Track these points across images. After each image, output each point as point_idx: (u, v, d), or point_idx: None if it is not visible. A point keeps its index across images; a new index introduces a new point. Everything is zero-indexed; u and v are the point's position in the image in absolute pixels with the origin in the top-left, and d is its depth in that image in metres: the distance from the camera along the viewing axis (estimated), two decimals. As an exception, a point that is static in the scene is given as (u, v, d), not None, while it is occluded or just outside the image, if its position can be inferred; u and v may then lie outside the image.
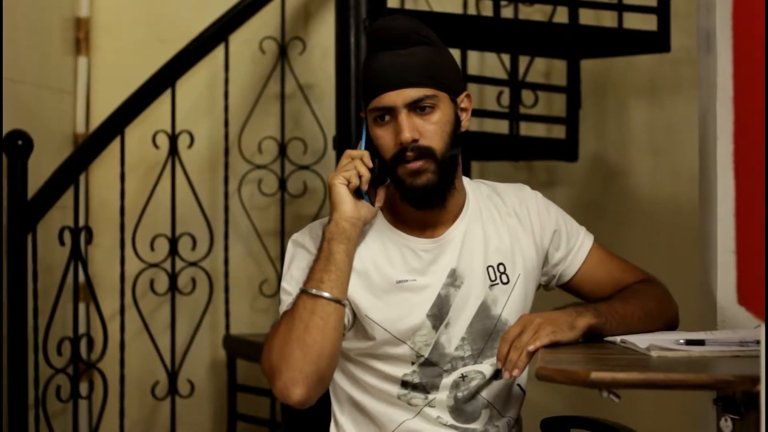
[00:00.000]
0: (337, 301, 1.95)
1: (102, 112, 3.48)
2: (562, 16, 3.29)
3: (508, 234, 2.10)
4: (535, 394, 3.39)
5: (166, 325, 3.47)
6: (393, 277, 2.04)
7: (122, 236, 3.36)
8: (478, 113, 3.44)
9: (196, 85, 3.66)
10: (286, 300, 2.01)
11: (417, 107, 1.97)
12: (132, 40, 3.76)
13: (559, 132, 3.50)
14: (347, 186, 1.98)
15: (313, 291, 1.94)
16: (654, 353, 1.80)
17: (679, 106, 3.46)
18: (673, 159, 3.48)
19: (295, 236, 2.09)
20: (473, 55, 3.56)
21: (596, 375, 1.66)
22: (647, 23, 3.20)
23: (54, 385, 3.16)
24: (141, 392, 3.59)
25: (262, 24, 3.63)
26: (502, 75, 3.54)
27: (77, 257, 3.18)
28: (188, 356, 3.49)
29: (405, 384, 2.05)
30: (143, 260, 3.43)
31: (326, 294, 1.94)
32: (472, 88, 3.52)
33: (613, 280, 2.14)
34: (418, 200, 2.01)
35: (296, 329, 1.92)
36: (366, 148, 2.02)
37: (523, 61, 3.52)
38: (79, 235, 3.18)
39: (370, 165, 1.99)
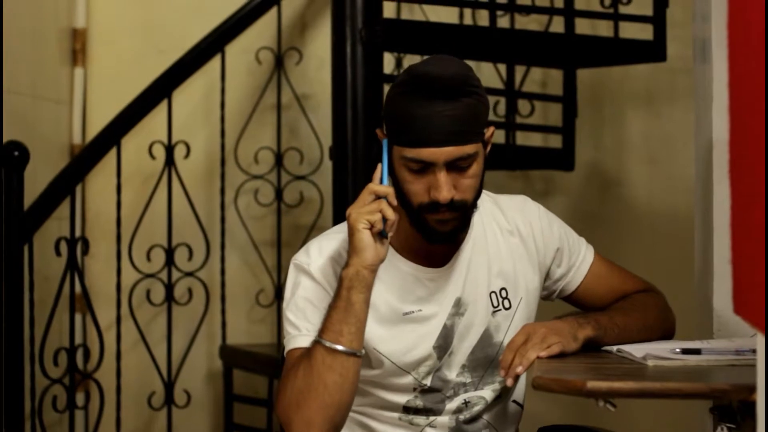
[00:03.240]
0: (356, 354, 1.90)
1: (98, 122, 3.47)
2: (558, 25, 3.28)
3: (510, 255, 2.07)
4: (532, 404, 3.37)
5: (163, 335, 3.46)
6: (400, 309, 2.01)
7: (119, 247, 3.35)
8: None
9: (193, 96, 3.65)
10: (293, 333, 1.97)
11: (456, 165, 1.90)
12: (128, 51, 3.75)
13: (555, 141, 3.49)
14: (371, 230, 1.90)
15: (332, 345, 1.88)
16: (650, 362, 1.79)
17: (676, 115, 3.46)
18: (669, 168, 3.47)
19: (298, 259, 2.03)
20: (469, 65, 3.51)
21: (592, 384, 1.66)
22: (643, 33, 3.20)
23: (50, 395, 3.15)
24: (137, 403, 3.56)
25: (259, 34, 3.63)
26: (498, 84, 3.53)
27: (73, 268, 3.16)
28: (185, 366, 3.48)
29: (407, 409, 2.04)
30: (139, 271, 3.42)
31: (346, 348, 1.89)
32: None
33: (614, 291, 2.13)
34: (436, 240, 1.98)
35: (315, 386, 1.88)
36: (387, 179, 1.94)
37: (520, 70, 3.52)
38: (76, 246, 3.17)
39: (395, 203, 1.92)
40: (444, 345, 2.02)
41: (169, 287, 3.43)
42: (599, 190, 3.61)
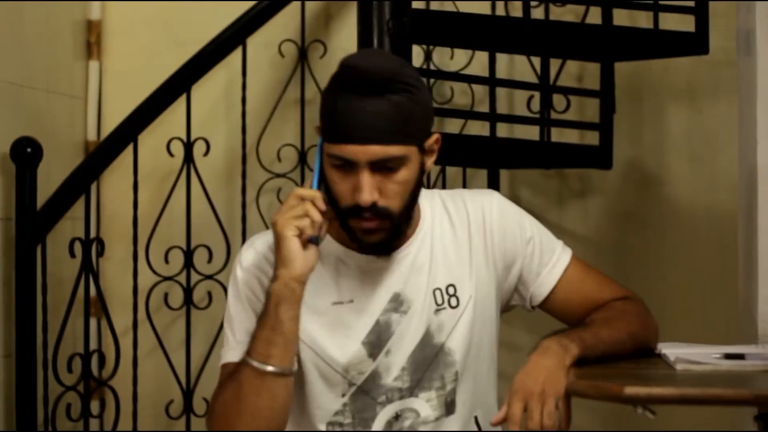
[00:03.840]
0: (287, 373, 1.84)
1: (114, 118, 3.43)
2: (595, 16, 3.21)
3: (461, 251, 1.99)
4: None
5: (181, 341, 3.39)
6: (329, 298, 1.93)
7: (135, 248, 3.29)
8: (507, 119, 3.40)
9: (213, 91, 3.59)
10: (229, 344, 1.95)
11: (382, 166, 1.83)
12: (145, 44, 3.70)
13: (592, 138, 3.41)
14: (299, 237, 1.82)
15: (261, 367, 1.83)
16: (679, 366, 1.78)
17: (718, 110, 3.41)
18: (712, 166, 3.42)
19: (242, 260, 1.98)
20: (502, 58, 3.47)
21: (631, 390, 1.63)
22: (684, 24, 3.14)
23: (64, 403, 3.15)
24: (155, 411, 3.51)
25: (282, 26, 3.55)
26: (532, 78, 3.45)
27: (88, 270, 3.16)
28: (204, 373, 3.40)
29: (331, 426, 1.94)
30: (157, 273, 3.36)
31: (275, 368, 1.83)
32: (500, 92, 3.44)
33: (589, 298, 2.04)
34: (365, 250, 1.92)
35: (243, 412, 1.84)
36: (319, 179, 1.88)
37: (555, 64, 3.44)
38: (91, 247, 3.17)
39: (323, 208, 1.85)
40: (377, 342, 1.93)
41: (188, 290, 3.35)
42: (638, 190, 3.54)
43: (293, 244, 1.82)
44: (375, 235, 1.87)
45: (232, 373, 1.89)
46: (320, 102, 1.89)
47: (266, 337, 1.83)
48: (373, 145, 1.81)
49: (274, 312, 1.83)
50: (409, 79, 1.85)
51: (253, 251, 1.98)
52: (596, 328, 1.93)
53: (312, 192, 1.85)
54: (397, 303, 1.95)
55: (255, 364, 1.83)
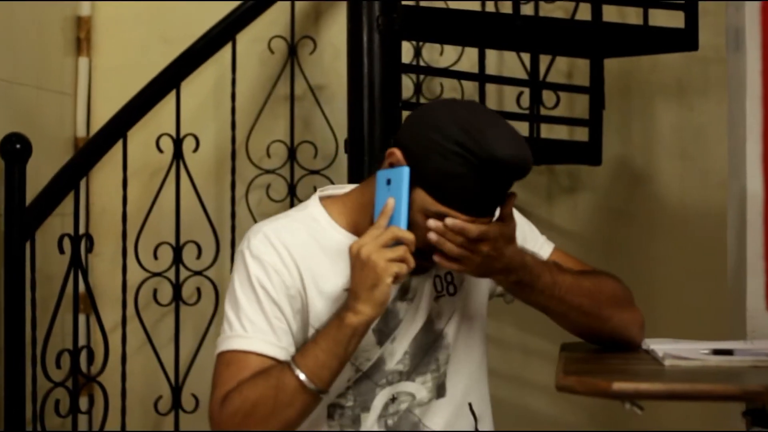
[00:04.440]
0: (324, 395, 1.86)
1: (103, 114, 3.41)
2: (584, 13, 3.20)
3: None
4: (547, 406, 3.28)
5: (170, 337, 3.38)
6: (342, 285, 1.92)
7: (124, 244, 3.28)
8: None
9: (202, 87, 3.58)
10: (235, 331, 1.89)
11: None
12: (135, 40, 3.69)
13: (581, 134, 3.42)
14: (394, 282, 1.82)
15: (307, 383, 1.82)
16: (667, 362, 1.78)
17: (708, 107, 3.40)
18: (701, 162, 3.42)
19: (263, 254, 1.93)
20: (492, 55, 3.47)
21: (619, 386, 1.63)
22: (674, 20, 3.13)
23: (53, 399, 3.13)
24: (143, 407, 3.51)
25: (271, 22, 3.55)
26: (522, 75, 3.45)
27: (77, 266, 3.14)
28: (193, 369, 3.39)
29: (333, 408, 1.95)
30: (146, 269, 3.35)
31: (317, 388, 1.84)
32: (490, 88, 3.44)
33: None
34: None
35: (274, 418, 1.83)
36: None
37: (544, 60, 3.44)
38: (80, 243, 3.15)
39: (413, 249, 1.84)
40: (385, 330, 1.94)
41: (177, 287, 3.35)
42: (628, 186, 3.53)
43: (389, 289, 1.81)
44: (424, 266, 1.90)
45: (265, 371, 1.85)
46: (427, 152, 1.82)
47: (327, 363, 1.82)
48: (481, 218, 1.83)
49: (347, 344, 1.82)
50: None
51: (269, 245, 1.94)
52: (564, 274, 1.95)
53: (410, 236, 1.83)
54: (404, 291, 1.96)
55: (304, 378, 1.81)
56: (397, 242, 1.82)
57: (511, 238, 1.86)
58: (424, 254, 1.84)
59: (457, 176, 1.80)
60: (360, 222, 1.94)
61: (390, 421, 1.96)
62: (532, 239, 2.07)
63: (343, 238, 1.94)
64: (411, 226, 1.84)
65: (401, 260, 1.81)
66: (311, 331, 1.92)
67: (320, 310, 1.92)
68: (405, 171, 1.83)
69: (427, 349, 1.98)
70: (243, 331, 1.89)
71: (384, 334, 1.95)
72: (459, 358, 2.01)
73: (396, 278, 1.81)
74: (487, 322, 2.10)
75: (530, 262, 1.90)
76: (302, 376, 1.81)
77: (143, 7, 3.69)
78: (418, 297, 1.97)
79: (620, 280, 2.06)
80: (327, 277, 1.92)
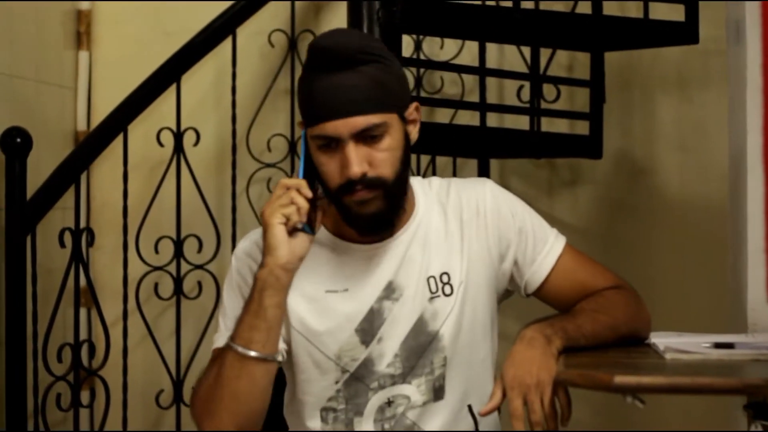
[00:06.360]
0: (269, 359, 1.87)
1: (104, 108, 3.40)
2: (585, 6, 3.19)
3: (455, 238, 1.99)
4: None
5: (171, 330, 3.38)
6: (323, 287, 1.95)
7: (125, 238, 3.27)
8: (497, 108, 3.37)
9: (203, 80, 3.58)
10: (220, 330, 1.98)
11: (365, 136, 1.84)
12: (135, 33, 3.68)
13: (582, 128, 3.40)
14: (286, 224, 1.84)
15: (244, 351, 1.85)
16: (668, 356, 1.77)
17: (709, 100, 3.39)
18: (702, 155, 3.41)
19: (240, 250, 2.01)
20: (492, 48, 3.46)
21: (620, 379, 1.62)
22: (674, 14, 3.13)
23: (54, 393, 3.13)
24: (145, 401, 3.51)
25: (271, 16, 3.54)
26: (522, 68, 3.44)
27: (78, 260, 3.13)
28: (194, 363, 3.39)
29: (325, 412, 1.96)
30: (147, 263, 3.34)
31: (258, 354, 1.85)
32: (490, 82, 3.42)
33: (582, 287, 2.03)
34: (365, 228, 1.91)
35: (224, 395, 1.86)
36: (306, 168, 1.89)
37: (545, 53, 3.42)
38: (81, 237, 3.14)
39: (309, 195, 1.86)
40: (369, 330, 1.94)
41: (178, 280, 3.34)
42: (628, 179, 3.53)
43: (279, 231, 1.84)
44: (370, 204, 1.87)
45: (216, 357, 1.92)
46: (297, 92, 1.91)
47: (249, 323, 1.85)
48: (352, 117, 1.82)
49: (258, 298, 1.85)
50: (376, 51, 1.87)
51: (248, 241, 2.01)
52: (580, 320, 1.92)
53: (297, 180, 1.87)
54: (390, 290, 1.95)
55: (237, 348, 1.85)
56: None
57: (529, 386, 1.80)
58: (350, 187, 1.84)
59: (304, 89, 1.86)
60: (341, 222, 1.96)
61: (387, 425, 1.95)
62: (542, 239, 2.03)
63: (324, 239, 1.97)
64: (318, 170, 1.87)
65: (289, 204, 1.84)
66: (293, 333, 1.95)
67: (301, 311, 1.95)
68: (303, 132, 1.90)
69: (421, 352, 1.96)
70: (225, 330, 1.96)
71: (368, 334, 1.94)
72: (458, 359, 1.98)
73: (287, 220, 1.84)
74: (497, 318, 2.07)
75: (554, 352, 1.84)
76: (236, 347, 1.85)
77: (143, 1, 3.68)
78: (405, 296, 1.95)
79: (626, 287, 2.04)
80: (308, 278, 1.95)
